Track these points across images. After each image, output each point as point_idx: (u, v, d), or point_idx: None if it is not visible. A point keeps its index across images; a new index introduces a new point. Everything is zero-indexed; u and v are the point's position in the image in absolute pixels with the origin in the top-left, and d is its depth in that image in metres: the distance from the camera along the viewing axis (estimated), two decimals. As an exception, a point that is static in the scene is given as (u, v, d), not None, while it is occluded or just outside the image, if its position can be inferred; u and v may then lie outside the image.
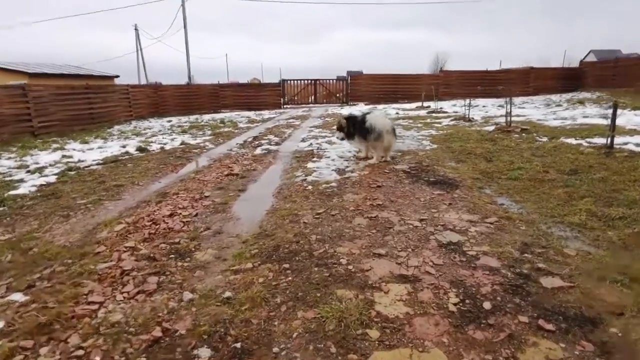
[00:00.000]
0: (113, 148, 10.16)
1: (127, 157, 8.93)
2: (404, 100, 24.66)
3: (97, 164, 8.14)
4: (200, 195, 5.40)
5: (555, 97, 21.33)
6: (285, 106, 26.06)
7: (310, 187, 5.65)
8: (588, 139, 8.23)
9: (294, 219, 4.35)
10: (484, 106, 18.47)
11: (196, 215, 4.59)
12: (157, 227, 4.16)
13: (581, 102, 17.68)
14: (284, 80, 26.29)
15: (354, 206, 4.68)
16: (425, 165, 6.82)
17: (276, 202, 5.10)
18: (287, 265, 3.26)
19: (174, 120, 19.65)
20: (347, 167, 6.65)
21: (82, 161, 8.47)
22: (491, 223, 4.06)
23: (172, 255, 3.55)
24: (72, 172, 7.31)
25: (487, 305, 2.58)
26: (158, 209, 4.71)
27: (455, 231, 3.91)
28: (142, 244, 3.79)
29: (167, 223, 4.24)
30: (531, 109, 16.04)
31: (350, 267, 3.17)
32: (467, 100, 15.10)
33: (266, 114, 21.68)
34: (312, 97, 26.87)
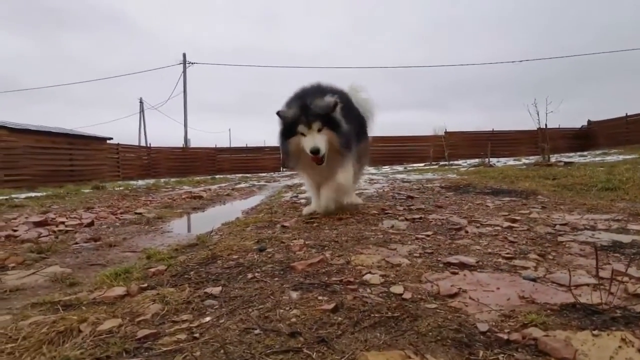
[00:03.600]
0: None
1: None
2: (409, 162, 23.43)
3: None
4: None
5: (570, 154, 20.04)
6: (284, 169, 24.82)
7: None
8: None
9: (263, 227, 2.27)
10: (498, 160, 17.07)
11: (91, 224, 2.52)
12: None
13: (605, 153, 16.30)
14: (283, 144, 25.35)
15: (378, 210, 2.62)
16: (466, 185, 4.85)
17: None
18: (217, 290, 1.16)
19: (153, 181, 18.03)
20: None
21: None
22: (664, 219, 1.99)
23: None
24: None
25: None
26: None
27: (603, 230, 1.83)
28: None
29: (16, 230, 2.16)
30: (553, 159, 14.51)
31: (407, 296, 1.07)
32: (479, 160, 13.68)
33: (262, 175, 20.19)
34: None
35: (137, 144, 32.14)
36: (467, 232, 1.92)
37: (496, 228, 2.00)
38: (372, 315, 0.91)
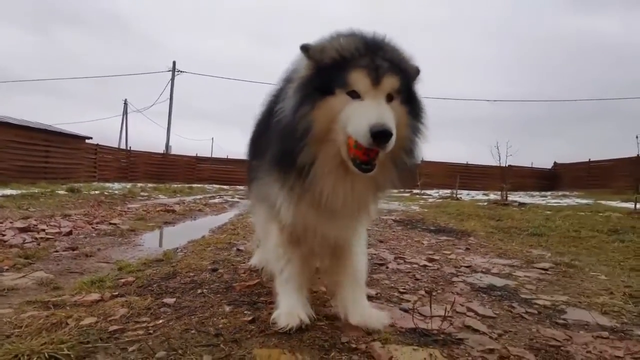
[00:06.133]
0: None
1: None
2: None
3: None
4: None
5: (534, 193, 21.18)
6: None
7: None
8: (602, 212, 7.08)
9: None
10: (468, 194, 17.91)
11: (69, 233, 2.83)
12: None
13: (565, 195, 17.36)
14: (265, 158, 25.63)
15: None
16: (419, 219, 5.36)
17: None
18: (171, 301, 1.54)
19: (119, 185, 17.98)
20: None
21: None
22: (545, 270, 2.48)
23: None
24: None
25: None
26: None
27: (492, 274, 2.31)
28: None
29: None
30: (516, 197, 15.40)
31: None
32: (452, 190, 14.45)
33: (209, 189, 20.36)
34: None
35: (117, 145, 31.62)
36: (387, 267, 2.35)
37: (414, 266, 2.44)
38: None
